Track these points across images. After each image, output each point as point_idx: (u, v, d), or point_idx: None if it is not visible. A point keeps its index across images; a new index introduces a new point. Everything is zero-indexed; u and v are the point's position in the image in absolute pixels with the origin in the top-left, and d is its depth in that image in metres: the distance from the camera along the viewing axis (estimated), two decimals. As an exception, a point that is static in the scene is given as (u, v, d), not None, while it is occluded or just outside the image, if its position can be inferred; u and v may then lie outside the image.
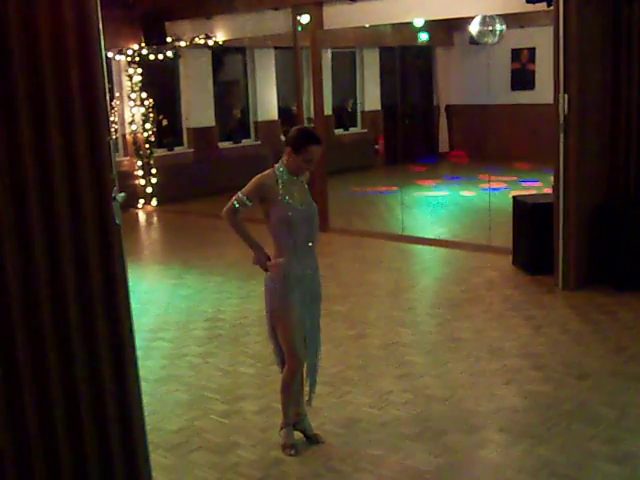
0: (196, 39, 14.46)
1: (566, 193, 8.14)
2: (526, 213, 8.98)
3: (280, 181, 4.70)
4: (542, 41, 16.38)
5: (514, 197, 9.54)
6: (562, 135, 8.07)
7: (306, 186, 4.89)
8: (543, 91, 16.21)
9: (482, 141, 19.67)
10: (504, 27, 17.45)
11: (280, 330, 4.82)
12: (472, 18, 15.32)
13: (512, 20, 17.15)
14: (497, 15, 16.48)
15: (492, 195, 13.90)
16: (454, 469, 4.72)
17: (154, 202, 15.08)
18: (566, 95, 7.94)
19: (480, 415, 5.45)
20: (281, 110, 17.74)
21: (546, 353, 6.54)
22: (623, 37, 8.21)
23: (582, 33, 7.90)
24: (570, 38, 7.88)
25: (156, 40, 14.26)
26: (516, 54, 19.20)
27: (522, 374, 6.10)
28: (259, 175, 4.75)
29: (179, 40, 14.63)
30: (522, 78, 19.18)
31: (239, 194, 4.74)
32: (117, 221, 3.82)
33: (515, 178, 16.08)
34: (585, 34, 7.94)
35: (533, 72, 18.90)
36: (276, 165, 4.78)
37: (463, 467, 4.75)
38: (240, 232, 4.85)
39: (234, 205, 4.75)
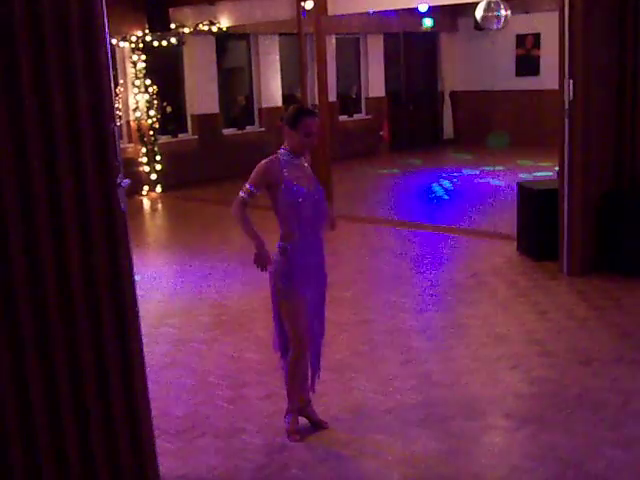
0: (200, 25, 14.44)
1: (571, 179, 8.11)
2: (531, 199, 8.96)
3: (284, 164, 4.68)
4: (547, 27, 16.30)
5: (519, 183, 9.52)
6: (567, 121, 8.04)
7: (309, 169, 4.87)
8: (548, 77, 16.16)
9: (488, 127, 19.62)
10: (509, 12, 17.39)
11: (285, 314, 4.83)
12: (477, 4, 15.25)
13: (517, 6, 17.09)
14: (502, 0, 16.41)
15: (497, 181, 13.90)
16: (459, 455, 4.73)
17: (158, 189, 15.08)
18: (571, 81, 7.90)
19: (485, 401, 5.46)
20: (285, 97, 17.71)
21: (551, 339, 6.54)
22: (629, 22, 8.16)
23: (587, 18, 7.86)
24: (575, 23, 7.84)
25: (160, 27, 14.24)
26: (521, 40, 19.13)
27: (527, 360, 6.11)
28: (262, 162, 4.72)
29: (183, 26, 14.61)
30: (527, 64, 19.11)
31: (246, 185, 4.69)
32: (122, 207, 3.82)
33: (521, 164, 16.04)
34: (590, 19, 7.90)
35: (538, 58, 18.83)
36: (279, 151, 4.76)
37: (468, 453, 4.76)
38: (246, 227, 4.75)
39: (243, 198, 4.70)
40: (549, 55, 16.57)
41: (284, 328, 4.90)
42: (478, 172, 15.74)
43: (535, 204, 8.87)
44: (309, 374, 5.11)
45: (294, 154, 4.72)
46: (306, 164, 4.84)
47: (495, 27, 15.95)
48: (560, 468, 4.51)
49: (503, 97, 19.28)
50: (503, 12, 17.21)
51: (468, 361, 6.16)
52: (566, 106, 8.00)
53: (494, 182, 14.32)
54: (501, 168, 15.76)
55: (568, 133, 8.06)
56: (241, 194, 4.70)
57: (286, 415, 5.07)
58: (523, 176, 14.05)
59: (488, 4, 16.74)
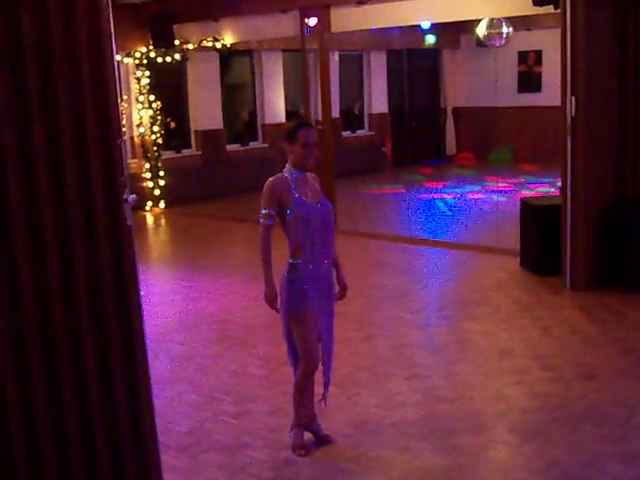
0: (204, 42, 14.51)
1: (574, 194, 8.15)
2: (533, 215, 8.99)
3: (291, 181, 4.70)
4: (549, 43, 16.38)
5: (521, 199, 9.55)
6: (569, 137, 8.08)
7: (317, 185, 4.89)
8: (550, 93, 16.20)
9: (489, 143, 19.67)
10: (511, 29, 17.47)
11: (295, 331, 4.83)
12: (479, 20, 15.34)
13: (519, 23, 17.16)
14: (504, 18, 16.49)
15: (499, 197, 13.93)
16: (463, 469, 4.73)
17: (162, 204, 15.13)
18: (573, 97, 7.95)
19: (489, 416, 5.47)
20: (289, 113, 17.78)
21: (555, 354, 6.55)
22: (630, 38, 8.21)
23: (589, 35, 7.92)
24: (577, 40, 7.89)
25: (164, 43, 14.32)
26: (523, 56, 19.21)
27: (531, 375, 6.11)
28: (268, 181, 4.73)
29: (187, 43, 14.69)
30: (529, 80, 19.19)
31: (262, 211, 4.69)
32: (128, 222, 3.85)
33: (522, 180, 16.08)
34: (592, 36, 7.95)
35: (540, 74, 18.91)
36: (284, 169, 4.79)
37: (472, 467, 4.77)
38: (265, 258, 4.72)
39: (265, 223, 4.69)
40: (551, 72, 16.63)
41: (293, 344, 4.92)
42: (481, 188, 15.78)
43: (538, 220, 8.90)
44: (321, 388, 5.10)
45: (299, 169, 4.75)
46: (313, 180, 4.87)
47: (497, 44, 16.03)
48: (563, 483, 4.52)
49: (505, 113, 19.33)
50: (505, 29, 17.32)
51: (472, 376, 6.17)
52: (568, 122, 8.04)
53: (496, 198, 14.34)
54: (503, 184, 15.79)
55: (570, 149, 8.10)
56: (261, 222, 4.70)
57: (291, 430, 5.08)
58: (525, 192, 14.08)
59: (490, 21, 16.83)
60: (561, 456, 4.82)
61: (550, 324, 7.30)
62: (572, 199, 8.16)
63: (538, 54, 18.85)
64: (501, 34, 17.09)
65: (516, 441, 5.08)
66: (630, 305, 7.74)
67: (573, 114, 7.98)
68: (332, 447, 5.06)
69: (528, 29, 17.98)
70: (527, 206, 9.22)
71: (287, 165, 4.79)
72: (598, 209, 8.27)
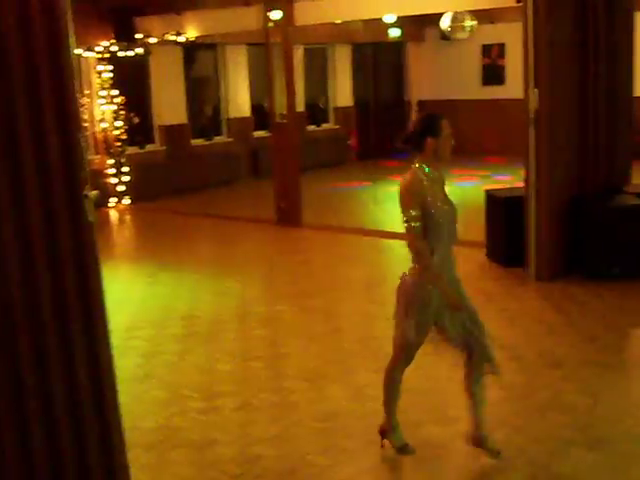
0: (166, 35, 14.40)
1: (537, 186, 8.21)
2: (498, 206, 9.05)
3: (426, 182, 4.45)
4: (512, 37, 16.45)
5: (486, 191, 9.61)
6: (532, 129, 8.14)
7: (443, 184, 4.63)
8: (513, 86, 16.31)
9: (454, 135, 19.74)
10: (475, 23, 17.59)
11: (410, 325, 4.56)
12: (443, 14, 15.40)
13: (482, 16, 17.28)
14: (467, 11, 16.58)
15: (465, 189, 14.02)
16: (432, 460, 4.76)
17: (126, 200, 14.99)
18: (536, 90, 8.00)
19: (457, 406, 5.48)
20: (255, 107, 17.72)
21: (521, 344, 6.60)
22: (590, 30, 8.30)
23: (551, 28, 7.97)
24: (539, 33, 7.94)
25: (125, 36, 14.18)
26: (486, 50, 19.32)
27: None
28: (404, 182, 4.46)
29: (149, 36, 14.56)
30: (493, 73, 19.31)
31: (409, 212, 4.37)
32: (90, 218, 3.80)
33: (487, 172, 16.18)
34: (554, 29, 8.01)
35: (503, 67, 19.03)
36: (414, 166, 4.51)
37: (441, 458, 4.79)
38: (429, 260, 4.43)
39: (415, 228, 4.37)
40: (514, 65, 16.75)
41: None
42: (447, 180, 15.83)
43: (503, 211, 8.96)
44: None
45: (435, 164, 4.52)
46: (442, 177, 4.64)
47: (461, 37, 16.13)
48: (530, 470, 4.56)
49: (470, 106, 19.45)
50: (469, 22, 17.41)
51: (440, 368, 6.18)
52: (531, 115, 8.10)
53: (462, 189, 14.42)
54: (469, 176, 15.88)
55: (533, 141, 8.15)
56: (409, 225, 4.38)
57: (386, 436, 4.89)
58: (490, 184, 14.17)
59: (454, 15, 16.91)
60: (527, 444, 4.86)
61: (516, 315, 7.36)
62: (536, 191, 8.22)
63: (502, 47, 18.96)
64: (465, 27, 17.21)
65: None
66: (593, 295, 7.82)
67: (536, 106, 8.04)
68: (301, 441, 5.06)
69: (491, 22, 18.09)
70: (492, 198, 9.28)
71: (418, 163, 4.52)
72: (561, 200, 8.35)
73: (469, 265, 9.23)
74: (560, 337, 6.73)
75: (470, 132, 19.41)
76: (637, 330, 7.11)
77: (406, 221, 4.39)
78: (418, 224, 4.37)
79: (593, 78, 8.39)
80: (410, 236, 4.41)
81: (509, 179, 14.72)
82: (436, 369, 6.16)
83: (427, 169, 4.50)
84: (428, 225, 4.40)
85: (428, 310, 4.49)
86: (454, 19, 16.75)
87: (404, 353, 4.69)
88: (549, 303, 7.66)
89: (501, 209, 8.99)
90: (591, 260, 8.29)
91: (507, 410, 5.42)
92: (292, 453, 4.93)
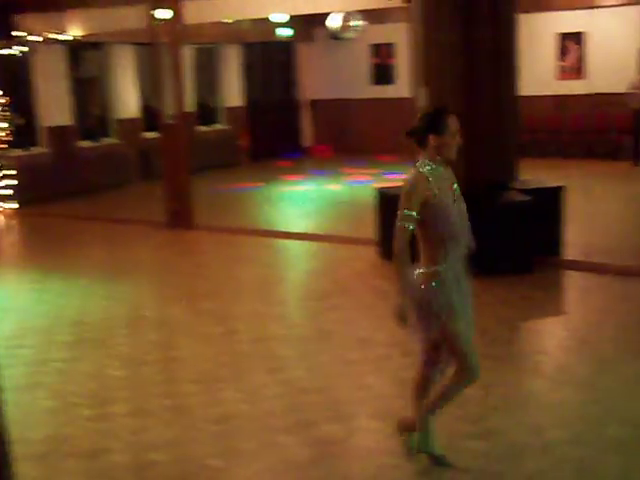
0: (49, 33, 13.96)
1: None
2: (389, 204, 9.12)
3: (431, 179, 4.19)
4: (401, 36, 16.74)
5: (377, 188, 9.71)
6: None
7: (450, 182, 4.36)
8: (403, 85, 16.60)
9: (346, 135, 19.97)
10: (364, 23, 17.78)
11: (454, 338, 4.39)
12: (332, 14, 15.50)
13: (371, 16, 17.50)
14: (356, 11, 16.76)
15: (357, 188, 14.15)
16: (329, 459, 4.76)
17: (13, 205, 14.46)
18: (424, 88, 8.14)
19: (352, 404, 5.53)
20: (145, 108, 17.41)
21: (410, 340, 6.66)
22: (475, 31, 8.50)
23: (437, 28, 8.13)
24: (426, 33, 8.09)
25: (3, 33, 13.67)
26: (376, 49, 19.57)
27: (391, 361, 6.22)
28: (407, 180, 4.23)
29: (30, 34, 14.08)
30: (382, 73, 19.58)
31: (404, 212, 4.14)
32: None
33: (379, 170, 16.37)
34: (440, 29, 8.17)
35: (393, 67, 19.32)
36: (417, 164, 4.26)
37: (337, 456, 4.80)
38: (404, 266, 4.19)
39: (405, 229, 4.13)
40: (404, 64, 17.05)
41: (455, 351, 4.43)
42: (338, 179, 15.96)
43: (394, 209, 9.02)
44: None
45: (440, 162, 4.25)
46: (449, 172, 4.37)
47: (351, 37, 16.27)
48: (427, 464, 4.61)
49: (361, 105, 19.69)
50: (357, 22, 17.59)
51: (334, 366, 6.23)
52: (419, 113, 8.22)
53: (354, 188, 14.57)
54: (361, 175, 16.04)
55: (423, 139, 8.28)
56: (400, 223, 4.15)
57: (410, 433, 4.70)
58: (382, 182, 14.34)
59: (343, 14, 17.05)
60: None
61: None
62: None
63: (391, 47, 19.24)
64: (354, 27, 17.38)
65: (379, 427, 5.16)
66: (481, 290, 7.96)
67: (424, 105, 8.17)
68: (197, 444, 4.98)
69: (381, 22, 18.35)
70: (383, 195, 9.37)
71: (422, 160, 4.26)
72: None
73: (361, 263, 9.33)
74: (451, 331, 6.85)
75: (361, 131, 19.68)
76: (525, 323, 7.31)
77: (399, 220, 4.15)
78: (410, 226, 4.14)
79: (479, 77, 8.60)
80: (397, 236, 4.16)
81: (401, 177, 14.93)
82: (328, 367, 6.19)
83: (430, 166, 4.22)
84: (438, 223, 4.18)
85: (452, 304, 4.29)
86: (343, 19, 16.88)
87: (466, 355, 4.42)
88: (440, 298, 7.78)
89: (392, 206, 9.02)
90: (481, 255, 8.45)
91: (402, 405, 5.47)
92: (188, 458, 4.85)
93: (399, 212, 4.17)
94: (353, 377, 6.00)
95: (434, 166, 4.23)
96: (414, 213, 4.13)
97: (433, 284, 4.24)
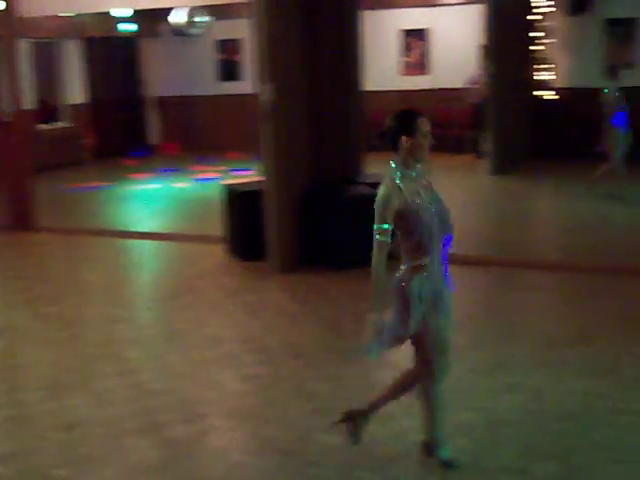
0: None
1: (273, 179, 8.36)
2: (236, 200, 9.12)
3: (403, 187, 4.18)
4: (247, 32, 16.71)
5: (224, 185, 9.65)
6: (267, 123, 8.29)
7: (425, 182, 4.37)
8: (250, 82, 16.58)
9: (194, 132, 19.75)
10: (209, 18, 17.65)
11: (429, 338, 4.31)
12: (176, 9, 15.29)
13: (217, 11, 17.38)
14: (201, 6, 16.60)
15: (205, 185, 14.05)
16: (180, 460, 4.69)
17: None
18: (268, 85, 8.15)
19: (202, 403, 5.47)
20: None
21: (264, 336, 6.69)
22: (319, 27, 8.62)
23: (280, 24, 8.16)
24: (270, 30, 8.09)
25: None
26: (222, 45, 19.44)
27: (241, 359, 6.20)
28: (381, 193, 4.19)
29: None
30: (229, 69, 19.49)
31: (379, 226, 4.14)
32: None
33: (227, 168, 16.28)
34: (283, 25, 8.21)
35: (239, 63, 19.25)
36: (390, 171, 4.25)
37: (189, 457, 4.73)
38: (379, 280, 4.18)
39: (380, 242, 4.13)
40: (250, 60, 17.02)
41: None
42: (187, 177, 15.77)
43: (241, 205, 9.03)
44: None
45: (409, 165, 4.25)
46: (422, 175, 4.37)
47: (195, 32, 16.11)
48: (280, 459, 4.63)
49: (207, 102, 19.50)
50: (203, 18, 17.45)
51: (183, 366, 6.15)
52: (265, 109, 8.24)
53: (203, 186, 14.44)
54: (209, 172, 15.91)
55: (267, 135, 8.30)
56: (376, 238, 4.15)
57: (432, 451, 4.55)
58: (231, 179, 14.28)
59: (187, 10, 16.87)
60: (275, 434, 4.94)
61: (258, 308, 7.45)
62: (272, 184, 8.37)
63: (237, 43, 19.15)
64: (199, 23, 17.23)
65: (231, 425, 5.15)
66: (332, 283, 8.11)
67: (270, 101, 8.18)
68: (42, 454, 4.80)
69: (227, 18, 18.22)
70: (230, 192, 9.32)
71: (394, 162, 4.26)
72: (297, 192, 8.57)
73: (209, 261, 9.25)
74: (302, 327, 6.91)
75: (209, 128, 19.49)
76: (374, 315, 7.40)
77: (375, 233, 4.16)
78: (384, 239, 4.13)
79: (323, 73, 8.71)
80: (375, 250, 4.16)
81: (249, 174, 14.92)
82: (179, 368, 6.11)
83: (401, 172, 4.22)
84: (415, 228, 4.17)
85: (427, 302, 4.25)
86: (188, 14, 16.71)
87: (434, 353, 4.34)
88: (291, 294, 7.85)
89: (239, 203, 9.06)
90: (331, 249, 8.57)
91: (253, 402, 5.49)
92: (33, 468, 4.66)
93: (375, 226, 4.17)
94: (204, 376, 5.94)
95: (405, 170, 4.24)
96: (387, 225, 4.14)
97: (417, 279, 4.21)
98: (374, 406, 4.60)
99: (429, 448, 4.53)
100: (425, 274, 4.20)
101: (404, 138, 4.20)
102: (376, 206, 4.19)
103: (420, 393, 4.48)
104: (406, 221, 4.18)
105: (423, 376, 4.40)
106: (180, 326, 7.07)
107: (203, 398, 5.55)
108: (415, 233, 4.18)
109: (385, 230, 4.14)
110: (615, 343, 6.25)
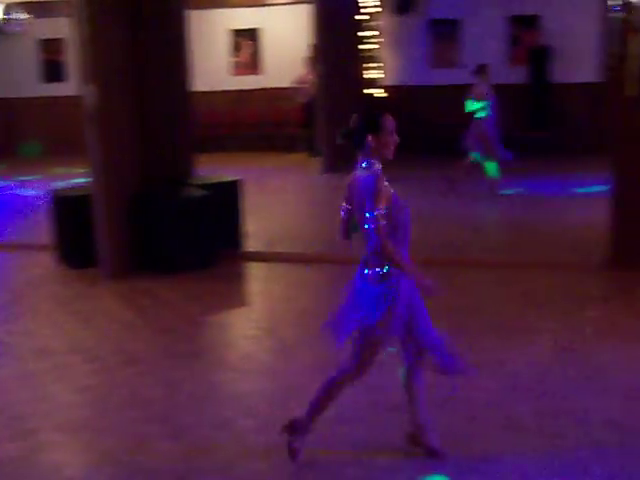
0: None
1: (100, 183, 8.15)
2: (65, 207, 8.83)
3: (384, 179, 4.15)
4: (71, 32, 16.16)
5: (52, 191, 9.31)
6: (91, 126, 8.07)
7: None
8: (76, 83, 16.03)
9: (16, 136, 18.86)
10: (28, 16, 16.94)
11: (374, 341, 4.23)
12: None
13: (36, 9, 16.71)
14: (18, 3, 15.92)
15: (32, 192, 13.50)
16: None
17: None
18: (91, 86, 7.94)
19: (34, 418, 5.26)
20: None
21: (96, 345, 6.51)
22: (144, 28, 8.48)
23: (103, 23, 7.96)
24: (91, 28, 7.88)
25: None
26: (45, 45, 18.68)
27: (74, 370, 6.01)
28: (372, 181, 4.11)
29: None
30: (53, 70, 18.76)
31: (378, 212, 4.04)
32: None
33: (54, 174, 15.66)
34: (106, 24, 8.01)
35: (64, 63, 18.56)
36: (366, 164, 4.21)
37: (19, 476, 4.52)
38: (398, 252, 4.11)
39: (384, 225, 4.04)
40: (75, 61, 16.47)
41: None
42: (10, 183, 15.08)
43: (70, 211, 8.75)
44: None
45: (382, 162, 4.21)
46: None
47: (12, 30, 15.43)
48: (116, 470, 4.51)
49: (30, 104, 18.67)
50: (20, 15, 16.71)
51: (13, 379, 5.90)
52: (90, 111, 8.02)
53: (29, 192, 13.87)
54: (36, 177, 15.29)
55: (93, 138, 8.09)
56: (377, 224, 4.04)
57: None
58: (59, 184, 13.77)
59: (6, 7, 16.14)
60: (112, 445, 4.82)
61: (90, 316, 7.25)
62: (99, 188, 8.15)
63: (61, 42, 18.45)
64: (17, 20, 16.52)
65: (64, 439, 4.98)
66: (164, 287, 7.99)
67: (94, 103, 7.97)
68: None
69: (48, 16, 17.52)
70: (59, 198, 9.01)
71: (368, 159, 4.21)
72: (127, 196, 8.39)
73: (37, 270, 8.92)
74: (136, 333, 6.79)
75: (31, 133, 18.63)
76: (207, 317, 7.39)
77: (375, 220, 4.04)
78: (384, 222, 4.07)
79: (149, 74, 8.57)
80: (379, 234, 4.05)
81: (78, 178, 14.44)
82: (8, 382, 5.84)
83: (377, 164, 4.20)
84: (399, 221, 4.17)
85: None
86: (4, 12, 15.97)
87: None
88: (123, 300, 7.68)
89: (68, 209, 8.77)
90: (161, 254, 8.45)
91: (87, 414, 5.33)
92: None
93: (374, 213, 4.06)
94: (35, 390, 5.70)
95: (379, 164, 4.21)
96: (384, 211, 4.07)
97: (399, 279, 4.18)
98: (313, 413, 4.46)
99: (415, 438, 4.56)
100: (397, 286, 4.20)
101: (371, 137, 4.20)
102: (370, 193, 4.11)
103: (405, 385, 4.49)
104: (394, 211, 4.15)
105: (351, 369, 4.34)
106: (8, 338, 6.77)
107: (34, 413, 5.33)
108: (400, 224, 4.19)
109: (383, 215, 4.08)
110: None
